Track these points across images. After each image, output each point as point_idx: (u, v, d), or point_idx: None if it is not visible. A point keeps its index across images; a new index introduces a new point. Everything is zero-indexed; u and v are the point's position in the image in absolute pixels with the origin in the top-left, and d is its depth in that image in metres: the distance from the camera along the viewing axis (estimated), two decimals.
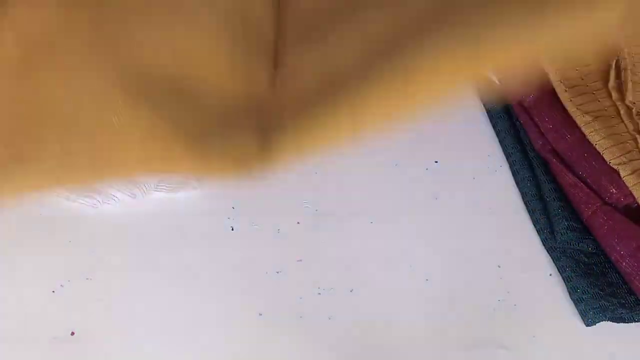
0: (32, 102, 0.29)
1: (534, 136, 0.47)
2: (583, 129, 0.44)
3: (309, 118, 0.28)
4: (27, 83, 0.29)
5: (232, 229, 0.45)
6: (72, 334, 0.41)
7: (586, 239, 0.43)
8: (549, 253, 0.44)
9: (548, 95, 0.46)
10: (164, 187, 0.47)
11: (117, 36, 0.29)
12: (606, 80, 0.43)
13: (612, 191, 0.43)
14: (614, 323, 0.41)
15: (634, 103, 0.41)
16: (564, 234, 0.43)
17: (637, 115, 0.42)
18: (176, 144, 0.28)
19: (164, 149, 0.28)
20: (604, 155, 0.43)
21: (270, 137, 0.30)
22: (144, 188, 0.48)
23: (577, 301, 0.41)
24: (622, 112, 0.42)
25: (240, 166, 0.30)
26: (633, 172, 0.42)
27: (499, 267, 0.44)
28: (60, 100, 0.29)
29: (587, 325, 0.41)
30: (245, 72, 0.29)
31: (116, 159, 0.29)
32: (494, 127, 0.49)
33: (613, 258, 0.43)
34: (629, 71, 0.41)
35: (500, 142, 0.49)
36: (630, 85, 0.41)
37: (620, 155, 0.42)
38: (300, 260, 0.44)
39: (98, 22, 0.29)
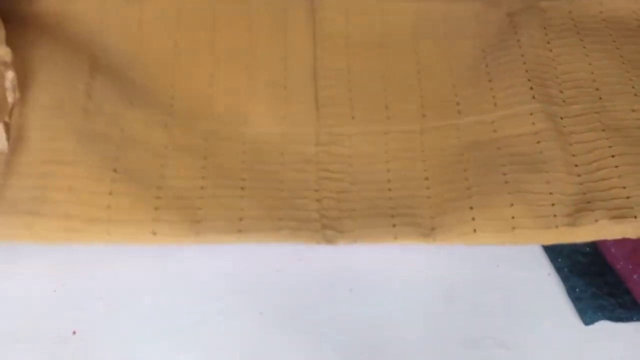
0: None
1: None
2: None
3: (365, 229, 0.43)
4: None
5: None
6: (74, 332, 0.41)
7: None
8: (546, 253, 0.44)
9: None
10: None
11: None
12: None
13: None
14: (612, 322, 0.41)
15: None
16: None
17: None
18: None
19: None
20: None
21: (330, 233, 0.42)
22: None
23: (576, 300, 0.42)
24: None
25: (300, 240, 0.42)
26: None
27: (499, 266, 0.44)
28: None
29: (586, 324, 0.41)
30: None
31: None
32: None
33: (608, 259, 0.43)
34: None
35: None
36: None
37: None
38: (301, 260, 0.44)
39: None
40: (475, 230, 0.42)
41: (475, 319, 0.41)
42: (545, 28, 0.51)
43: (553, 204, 0.42)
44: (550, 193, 0.43)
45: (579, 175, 0.44)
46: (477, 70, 0.50)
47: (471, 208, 0.43)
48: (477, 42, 0.52)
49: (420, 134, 0.48)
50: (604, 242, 0.43)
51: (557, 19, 0.52)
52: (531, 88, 0.48)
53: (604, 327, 0.41)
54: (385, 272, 0.44)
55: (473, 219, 0.42)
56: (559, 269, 0.43)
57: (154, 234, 0.41)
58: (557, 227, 0.42)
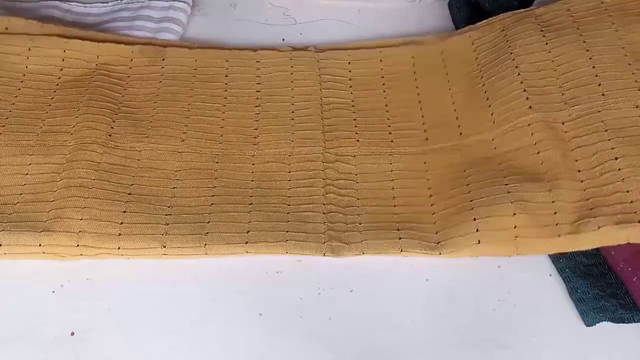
0: None
1: None
2: None
3: (371, 241, 0.44)
4: None
5: None
6: (72, 334, 0.41)
7: None
8: (548, 254, 0.44)
9: None
10: None
11: None
12: None
13: None
14: (614, 324, 0.41)
15: None
16: None
17: None
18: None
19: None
20: None
21: (336, 245, 0.43)
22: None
23: (578, 301, 0.41)
24: None
25: (306, 251, 0.43)
26: None
27: (499, 267, 0.44)
28: None
29: (587, 325, 0.41)
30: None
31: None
32: None
33: (609, 261, 0.43)
34: None
35: None
36: None
37: None
38: (300, 260, 0.44)
39: None
40: (479, 242, 0.42)
41: (476, 320, 0.41)
42: (542, 31, 0.51)
43: (555, 212, 0.42)
44: (553, 201, 0.43)
45: (582, 181, 0.44)
46: (475, 91, 0.51)
47: (474, 219, 0.43)
48: (473, 66, 0.53)
49: (423, 154, 0.49)
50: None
51: (554, 20, 0.52)
52: (527, 98, 0.48)
53: (606, 328, 0.41)
54: (386, 273, 0.43)
55: (477, 230, 0.42)
56: (560, 270, 0.43)
57: (164, 246, 0.43)
58: (559, 235, 0.41)
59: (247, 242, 0.43)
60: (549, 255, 0.44)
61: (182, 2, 0.61)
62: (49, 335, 0.40)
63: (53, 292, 0.43)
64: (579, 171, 0.44)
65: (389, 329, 0.41)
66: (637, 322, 0.41)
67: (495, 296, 0.42)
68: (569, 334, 0.41)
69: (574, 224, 0.42)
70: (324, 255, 0.43)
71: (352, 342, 0.40)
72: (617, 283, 0.42)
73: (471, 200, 0.44)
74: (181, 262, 0.44)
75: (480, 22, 0.55)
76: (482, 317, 0.41)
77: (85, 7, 0.62)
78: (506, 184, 0.44)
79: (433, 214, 0.45)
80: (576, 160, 0.45)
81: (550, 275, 0.43)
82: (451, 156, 0.48)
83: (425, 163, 0.48)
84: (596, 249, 0.43)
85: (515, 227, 0.42)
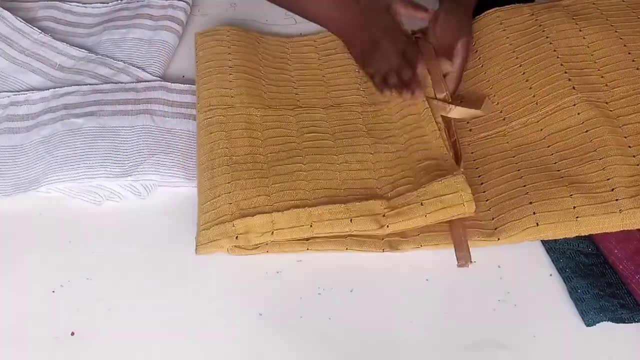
0: None
1: None
2: None
3: (427, 232, 0.44)
4: None
5: None
6: (72, 334, 0.41)
7: (585, 240, 0.44)
8: (548, 254, 0.44)
9: None
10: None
11: None
12: None
13: None
14: (614, 323, 0.41)
15: None
16: None
17: None
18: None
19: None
20: None
21: (394, 240, 0.44)
22: (150, 186, 0.48)
23: (578, 301, 0.41)
24: None
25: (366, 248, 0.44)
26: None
27: (499, 267, 0.44)
28: None
29: (587, 325, 0.41)
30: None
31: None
32: None
33: (610, 260, 0.43)
34: None
35: None
36: None
37: None
38: (300, 261, 0.44)
39: None
40: (537, 224, 0.42)
41: (476, 320, 0.41)
42: (574, 19, 0.52)
43: (613, 189, 0.42)
44: (608, 179, 0.43)
45: (634, 156, 0.44)
46: (513, 73, 0.52)
47: (530, 203, 0.43)
48: (506, 46, 0.53)
49: (468, 145, 0.50)
50: (607, 243, 0.43)
51: (583, 11, 0.54)
52: (569, 79, 0.49)
53: (606, 328, 0.41)
54: (386, 273, 0.43)
55: (534, 212, 0.43)
56: (561, 270, 0.43)
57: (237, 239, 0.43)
58: (620, 211, 0.42)
59: (308, 240, 0.44)
60: (549, 255, 0.44)
61: (181, 0, 0.62)
62: (49, 335, 0.40)
63: (53, 292, 0.43)
64: (629, 147, 0.45)
65: (389, 329, 0.41)
66: (637, 321, 0.41)
67: (495, 296, 0.42)
68: (569, 334, 0.41)
69: (634, 199, 0.42)
70: (382, 251, 0.43)
71: (352, 342, 0.40)
72: (617, 283, 0.42)
73: (524, 185, 0.44)
74: (181, 263, 0.44)
75: (506, 6, 0.56)
76: (482, 318, 0.41)
77: (85, 7, 0.62)
78: (558, 170, 0.45)
79: (487, 200, 0.45)
80: (626, 137, 0.45)
81: (551, 275, 0.43)
82: (497, 143, 0.49)
83: (472, 153, 0.49)
84: (596, 248, 0.43)
85: (574, 207, 0.42)
